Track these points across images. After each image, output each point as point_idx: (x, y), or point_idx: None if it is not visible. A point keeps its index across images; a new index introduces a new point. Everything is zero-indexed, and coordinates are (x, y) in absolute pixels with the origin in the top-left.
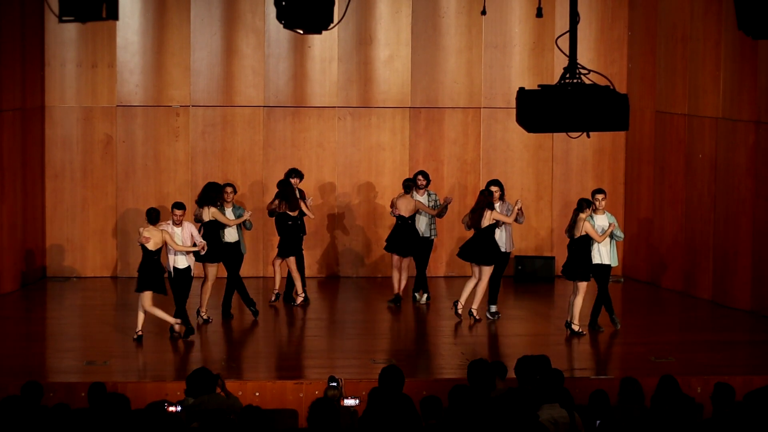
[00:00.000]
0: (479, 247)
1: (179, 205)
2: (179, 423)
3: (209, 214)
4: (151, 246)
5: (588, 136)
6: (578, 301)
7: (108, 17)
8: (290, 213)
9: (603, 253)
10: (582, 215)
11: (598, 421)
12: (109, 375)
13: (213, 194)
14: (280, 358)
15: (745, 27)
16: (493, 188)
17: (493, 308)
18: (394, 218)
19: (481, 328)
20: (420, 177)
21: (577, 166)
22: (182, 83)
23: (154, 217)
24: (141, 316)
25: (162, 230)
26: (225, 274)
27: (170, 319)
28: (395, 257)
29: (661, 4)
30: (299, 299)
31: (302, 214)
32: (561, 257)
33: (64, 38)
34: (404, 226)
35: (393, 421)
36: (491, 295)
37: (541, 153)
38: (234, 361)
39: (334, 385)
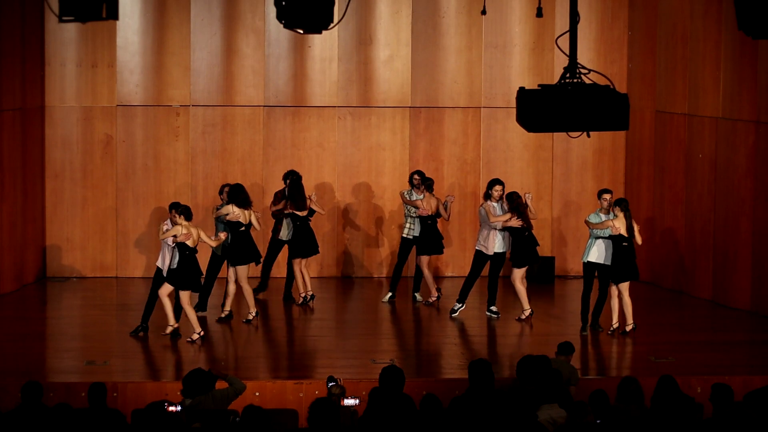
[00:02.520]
0: (529, 246)
1: (177, 206)
2: (179, 423)
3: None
4: (190, 243)
5: (588, 135)
6: (627, 301)
7: (108, 17)
8: (298, 213)
9: (605, 253)
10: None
11: (598, 420)
12: (109, 375)
13: (243, 196)
14: (280, 358)
15: (745, 27)
16: (497, 187)
17: (494, 308)
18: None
19: (481, 328)
20: (416, 176)
21: (577, 166)
22: (182, 83)
23: (189, 213)
24: (192, 316)
25: (197, 228)
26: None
27: (195, 326)
28: (423, 258)
29: (661, 4)
30: (301, 299)
31: (312, 212)
32: (561, 257)
33: (64, 38)
34: (433, 225)
35: (393, 421)
36: (491, 296)
37: (541, 153)
38: (234, 361)
39: (334, 384)
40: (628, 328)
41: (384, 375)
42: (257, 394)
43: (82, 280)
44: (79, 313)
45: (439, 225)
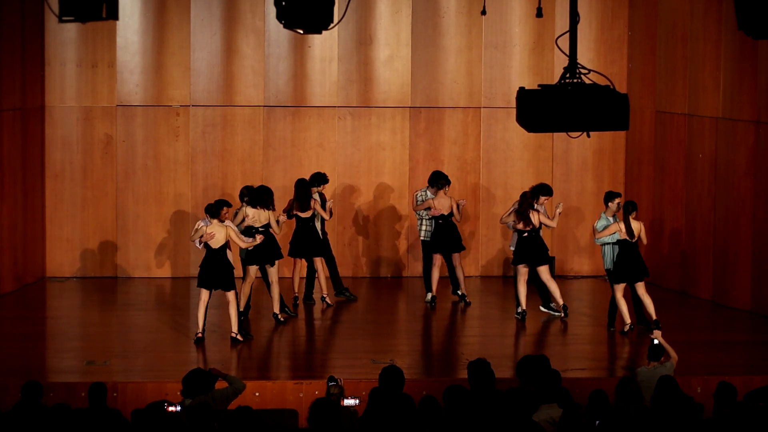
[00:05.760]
0: (533, 248)
1: (226, 204)
2: (179, 423)
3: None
4: (214, 243)
5: (588, 136)
6: (622, 302)
7: (108, 17)
8: (300, 214)
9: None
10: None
11: (597, 421)
12: (109, 375)
13: (266, 197)
14: (279, 358)
15: (745, 27)
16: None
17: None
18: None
19: (480, 328)
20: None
21: (577, 166)
22: (182, 83)
23: (215, 211)
24: (200, 316)
25: (226, 226)
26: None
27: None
28: (436, 257)
29: (661, 4)
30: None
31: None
32: (561, 257)
33: (64, 38)
34: (445, 224)
35: (393, 421)
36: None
37: (541, 153)
38: (234, 361)
39: (333, 384)
40: (626, 328)
41: (384, 375)
42: (257, 394)
43: (82, 280)
44: (79, 313)
45: None
